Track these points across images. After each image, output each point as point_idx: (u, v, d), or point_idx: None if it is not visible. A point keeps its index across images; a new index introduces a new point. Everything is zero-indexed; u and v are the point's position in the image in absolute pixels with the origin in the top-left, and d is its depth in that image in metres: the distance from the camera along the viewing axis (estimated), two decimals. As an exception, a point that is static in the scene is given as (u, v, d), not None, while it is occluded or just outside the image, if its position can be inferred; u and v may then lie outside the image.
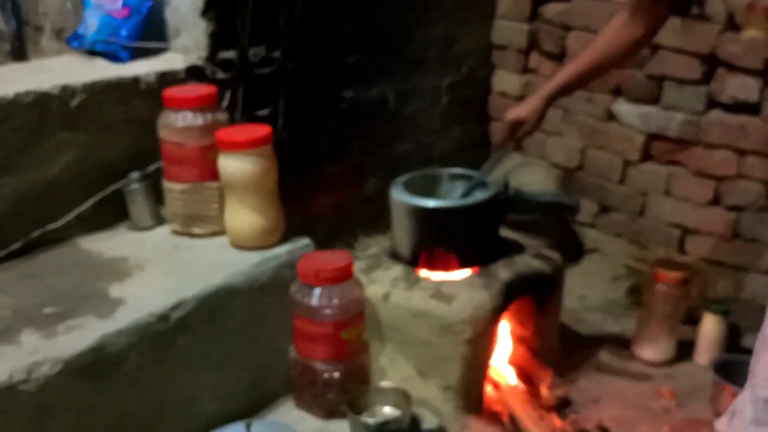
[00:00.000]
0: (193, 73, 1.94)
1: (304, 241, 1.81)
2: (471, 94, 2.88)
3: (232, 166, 1.70)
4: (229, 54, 1.99)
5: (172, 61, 1.96)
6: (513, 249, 2.00)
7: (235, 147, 1.69)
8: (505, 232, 2.05)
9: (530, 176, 2.65)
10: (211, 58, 1.97)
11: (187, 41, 1.98)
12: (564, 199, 2.36)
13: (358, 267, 1.84)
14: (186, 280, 1.60)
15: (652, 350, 2.25)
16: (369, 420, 1.66)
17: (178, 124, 1.74)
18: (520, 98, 2.83)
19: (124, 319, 1.46)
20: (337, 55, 2.34)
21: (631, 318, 2.39)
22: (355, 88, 2.42)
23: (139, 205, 1.84)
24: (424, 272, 1.90)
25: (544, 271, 1.98)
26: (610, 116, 2.65)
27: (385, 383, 1.80)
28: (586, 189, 2.74)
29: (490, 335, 1.85)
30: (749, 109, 2.33)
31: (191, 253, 1.75)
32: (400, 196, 1.90)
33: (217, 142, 1.70)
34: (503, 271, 1.89)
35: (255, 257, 1.71)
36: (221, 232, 1.79)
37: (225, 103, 1.95)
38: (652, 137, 2.57)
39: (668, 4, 1.76)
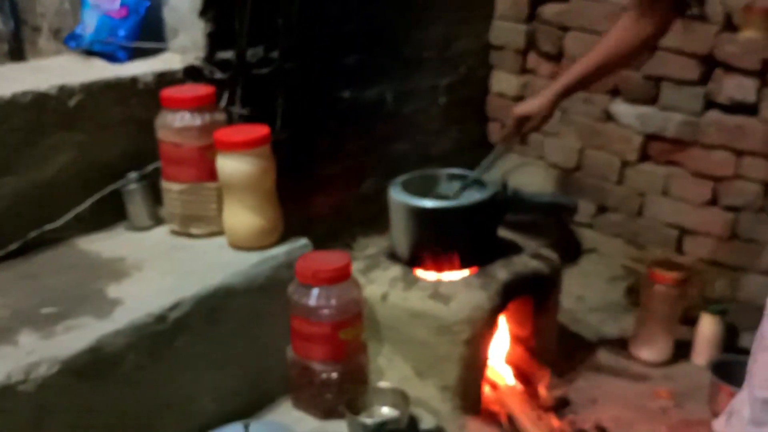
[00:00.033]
0: (191, 74, 1.93)
1: (302, 242, 1.81)
2: (469, 94, 2.88)
3: (231, 166, 1.70)
4: (227, 54, 1.99)
5: (170, 61, 1.96)
6: (511, 249, 2.00)
7: (233, 147, 1.68)
8: (504, 233, 2.05)
9: (528, 176, 2.65)
10: (209, 58, 1.96)
11: (185, 41, 1.98)
12: (562, 199, 2.37)
13: (356, 267, 1.84)
14: (184, 281, 1.60)
15: (649, 350, 2.26)
16: (367, 420, 1.66)
17: (176, 124, 1.73)
18: (518, 99, 2.83)
19: (122, 319, 1.46)
20: (335, 56, 2.33)
21: (629, 318, 2.39)
22: (354, 88, 2.42)
23: (137, 206, 1.84)
24: (422, 272, 1.90)
25: (542, 271, 1.99)
26: (608, 117, 2.65)
27: (383, 383, 1.80)
28: (584, 189, 2.74)
29: (488, 335, 1.85)
30: (747, 109, 2.33)
31: (189, 253, 1.75)
32: (398, 197, 1.90)
33: (215, 143, 1.70)
34: (501, 272, 1.89)
35: (253, 257, 1.71)
36: (219, 233, 1.79)
37: (223, 103, 1.95)
38: (650, 138, 2.57)
39: (668, 4, 1.76)
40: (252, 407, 1.71)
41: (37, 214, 1.72)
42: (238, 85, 2.00)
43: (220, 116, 1.82)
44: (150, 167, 1.85)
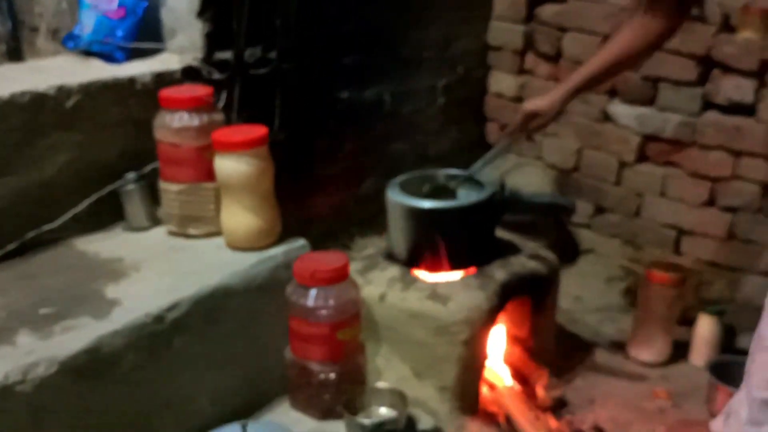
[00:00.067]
0: (189, 74, 1.93)
1: (300, 242, 1.81)
2: (467, 94, 2.88)
3: (228, 166, 1.70)
4: (225, 55, 1.99)
5: (168, 61, 1.96)
6: (509, 250, 2.01)
7: (231, 148, 1.68)
8: (501, 233, 2.05)
9: (526, 177, 2.65)
10: (207, 58, 1.96)
11: (183, 42, 1.98)
12: (560, 200, 2.37)
13: (354, 268, 1.84)
14: (182, 281, 1.60)
15: (647, 351, 2.26)
16: (365, 421, 1.66)
17: (174, 124, 1.73)
18: (516, 99, 2.84)
19: (119, 319, 1.46)
20: (333, 56, 2.34)
21: (627, 319, 2.39)
22: (352, 88, 2.42)
23: (135, 206, 1.84)
24: (420, 273, 1.90)
25: (540, 271, 1.99)
26: (606, 117, 2.65)
27: (380, 384, 1.80)
28: (582, 190, 2.75)
29: (486, 336, 1.85)
30: (744, 110, 2.34)
31: (187, 253, 1.75)
32: (396, 197, 1.90)
33: (213, 143, 1.70)
34: (499, 272, 1.89)
35: (251, 258, 1.71)
36: (217, 233, 1.79)
37: (221, 103, 1.95)
38: (648, 138, 2.57)
39: (676, 3, 1.76)
40: (250, 407, 1.71)
41: (35, 215, 1.72)
42: (236, 86, 2.00)
43: (218, 116, 1.82)
44: (148, 167, 1.85)
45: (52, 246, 1.74)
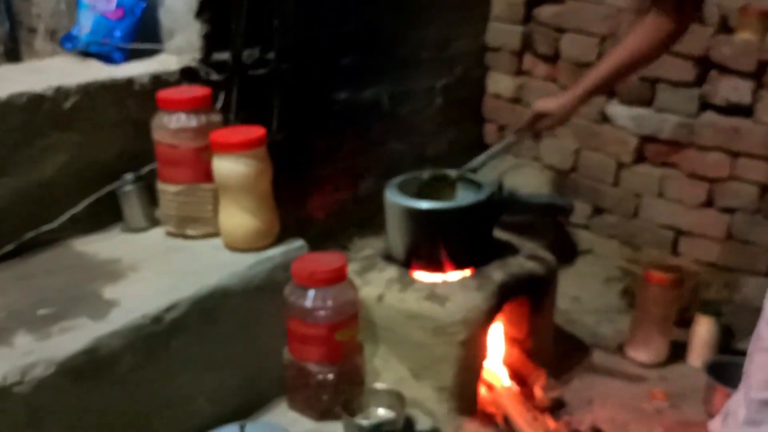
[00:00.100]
0: (187, 75, 1.93)
1: (299, 243, 1.81)
2: (465, 95, 2.88)
3: (227, 167, 1.70)
4: (224, 55, 1.99)
5: (166, 62, 1.96)
6: (507, 250, 2.01)
7: (229, 149, 1.68)
8: (499, 234, 2.05)
9: (524, 178, 2.65)
10: (205, 59, 1.96)
11: (181, 42, 1.98)
12: (558, 200, 2.37)
13: (352, 268, 1.84)
14: (180, 282, 1.60)
15: (645, 352, 2.26)
16: (363, 422, 1.66)
17: (172, 125, 1.73)
18: (514, 100, 2.85)
19: (117, 320, 1.46)
20: (331, 57, 2.34)
21: (625, 319, 2.39)
22: (350, 89, 2.42)
23: (133, 207, 1.84)
24: (418, 274, 1.90)
25: (538, 272, 1.99)
26: (604, 118, 2.65)
27: (379, 385, 1.80)
28: (580, 191, 2.75)
29: (484, 336, 1.85)
30: (742, 111, 2.34)
31: (185, 254, 1.75)
32: (394, 198, 1.90)
33: (211, 144, 1.70)
34: (497, 273, 1.89)
35: (249, 259, 1.71)
36: (215, 234, 1.79)
37: (219, 104, 1.95)
38: (646, 139, 2.57)
39: (670, 6, 1.76)
40: (248, 408, 1.71)
41: (33, 215, 1.72)
42: (234, 87, 2.00)
43: (216, 117, 1.82)
44: (146, 168, 1.85)
45: (50, 246, 1.74)
